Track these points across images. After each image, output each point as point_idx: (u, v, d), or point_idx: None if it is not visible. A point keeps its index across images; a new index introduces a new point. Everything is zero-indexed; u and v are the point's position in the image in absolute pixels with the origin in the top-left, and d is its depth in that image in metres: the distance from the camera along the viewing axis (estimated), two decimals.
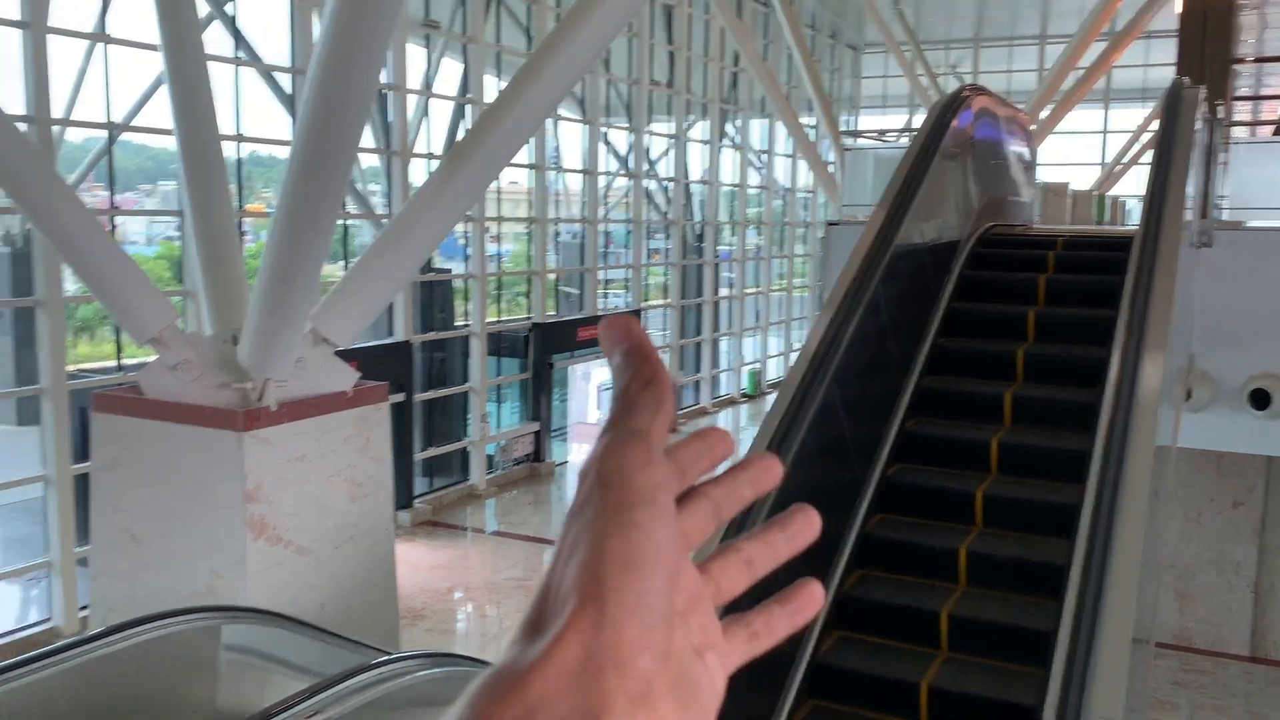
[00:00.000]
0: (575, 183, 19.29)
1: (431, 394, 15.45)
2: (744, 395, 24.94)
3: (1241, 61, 13.51)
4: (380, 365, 12.03)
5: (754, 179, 26.36)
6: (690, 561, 0.41)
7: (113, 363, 10.89)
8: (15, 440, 10.70)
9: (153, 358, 6.44)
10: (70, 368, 10.06)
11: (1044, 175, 26.32)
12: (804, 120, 24.70)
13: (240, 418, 5.96)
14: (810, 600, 0.44)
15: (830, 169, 20.46)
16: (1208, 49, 9.72)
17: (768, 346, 26.78)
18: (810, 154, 21.31)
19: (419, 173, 14.59)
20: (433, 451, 15.53)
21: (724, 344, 25.15)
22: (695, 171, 23.41)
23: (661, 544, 0.37)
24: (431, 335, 15.42)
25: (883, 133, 27.20)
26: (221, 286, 6.67)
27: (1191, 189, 5.33)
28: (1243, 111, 18.44)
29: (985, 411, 4.49)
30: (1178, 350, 5.60)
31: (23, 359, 9.99)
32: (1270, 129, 19.20)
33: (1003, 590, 3.72)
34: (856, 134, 26.64)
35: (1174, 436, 5.40)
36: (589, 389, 20.75)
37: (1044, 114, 18.34)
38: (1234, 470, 8.95)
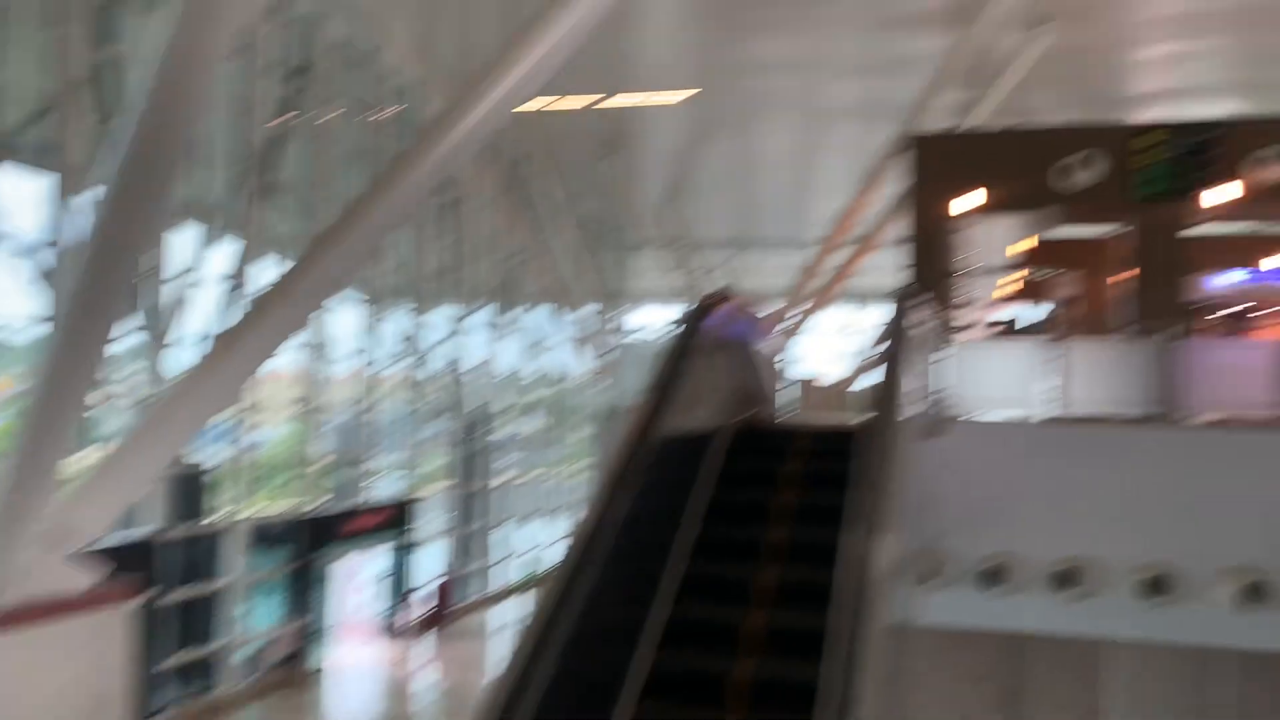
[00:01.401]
0: (348, 368, 19.03)
1: (183, 593, 14.35)
2: (524, 584, 24.52)
3: (965, 271, 15.18)
4: (125, 563, 11.12)
5: (534, 365, 26.84)
6: None
7: None
8: None
9: None
10: None
11: (801, 370, 28.06)
12: (583, 311, 25.59)
13: None
14: None
15: (606, 358, 21.16)
16: (933, 259, 10.92)
17: (546, 534, 26.64)
18: (587, 344, 22.01)
19: (183, 357, 14.02)
20: (182, 657, 14.30)
21: (504, 532, 24.84)
22: (475, 357, 23.63)
23: None
24: (185, 530, 14.45)
25: (655, 327, 28.46)
26: None
27: (918, 385, 5.90)
28: (967, 314, 20.59)
29: (740, 596, 4.67)
30: (913, 533, 6.04)
31: None
32: (991, 330, 21.48)
33: None
34: (629, 331, 27.80)
35: (911, 615, 5.74)
36: (358, 584, 19.83)
37: (799, 310, 19.83)
38: (976, 647, 9.51)
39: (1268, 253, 15.17)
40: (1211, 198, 10.05)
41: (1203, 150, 10.08)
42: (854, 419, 5.67)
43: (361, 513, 18.52)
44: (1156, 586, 6.55)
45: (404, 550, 19.97)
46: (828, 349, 30.10)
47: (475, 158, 19.42)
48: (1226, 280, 14.49)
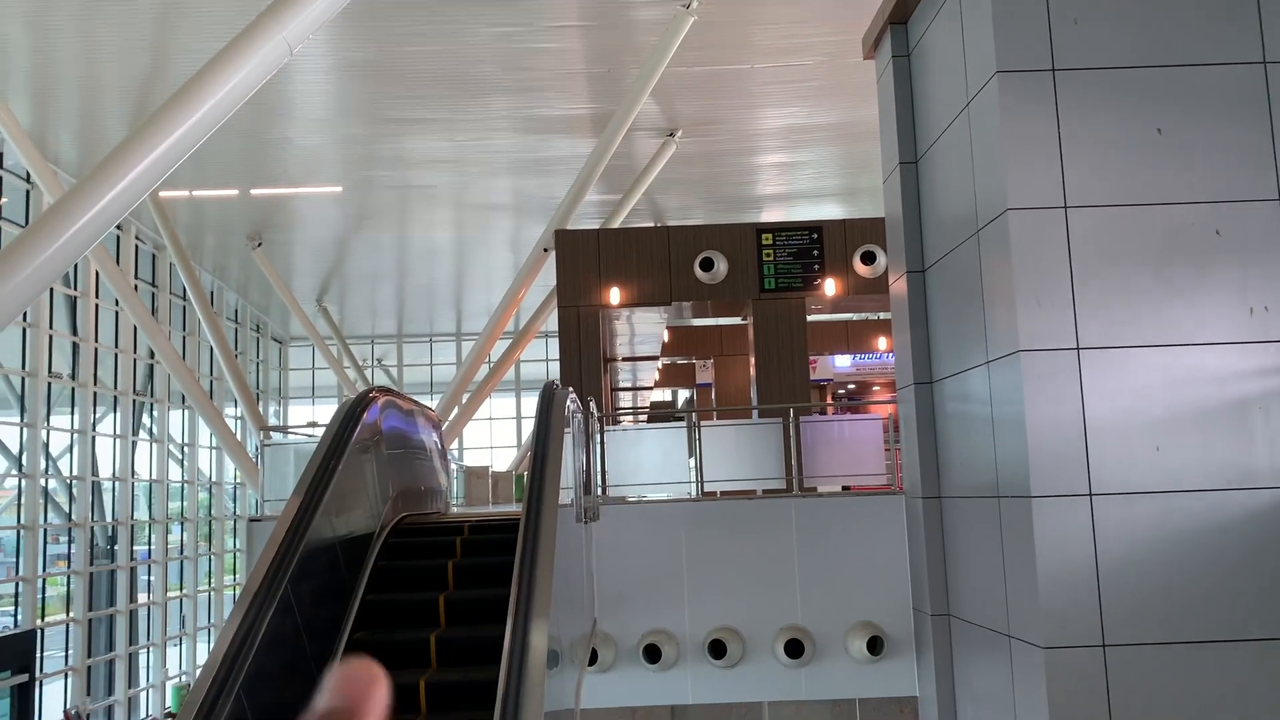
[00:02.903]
0: None
1: None
2: (169, 715, 22.18)
3: (614, 360, 15.93)
4: None
5: (176, 473, 24.75)
6: None
7: None
8: None
9: None
10: None
11: (469, 458, 27.88)
12: (229, 411, 24.05)
13: None
14: None
15: (256, 460, 19.94)
16: (584, 348, 11.37)
17: (196, 655, 24.37)
18: (234, 447, 20.65)
19: None
20: None
21: (144, 658, 22.44)
22: (105, 467, 21.42)
23: None
24: None
25: (312, 424, 27.30)
26: None
27: (572, 471, 6.09)
28: (620, 400, 21.59)
29: (402, 703, 4.55)
30: (577, 617, 6.17)
31: None
32: (644, 416, 22.64)
33: None
34: (285, 428, 26.47)
35: (578, 699, 5.83)
36: None
37: (463, 401, 19.84)
38: None
39: (877, 336, 17.22)
40: (823, 290, 11.31)
41: (811, 248, 11.35)
42: (517, 509, 5.74)
43: None
44: (794, 649, 7.10)
45: (23, 691, 17.48)
46: (493, 438, 30.27)
47: (105, 249, 17.92)
48: (843, 362, 16.23)
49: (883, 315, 17.05)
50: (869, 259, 11.18)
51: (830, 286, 11.27)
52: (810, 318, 11.89)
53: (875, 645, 6.98)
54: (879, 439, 8.47)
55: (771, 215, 19.75)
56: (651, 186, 16.92)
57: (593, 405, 7.71)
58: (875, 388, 16.91)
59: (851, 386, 17.28)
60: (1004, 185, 5.11)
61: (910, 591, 6.82)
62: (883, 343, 17.01)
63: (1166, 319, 5.00)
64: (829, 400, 16.54)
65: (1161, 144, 5.08)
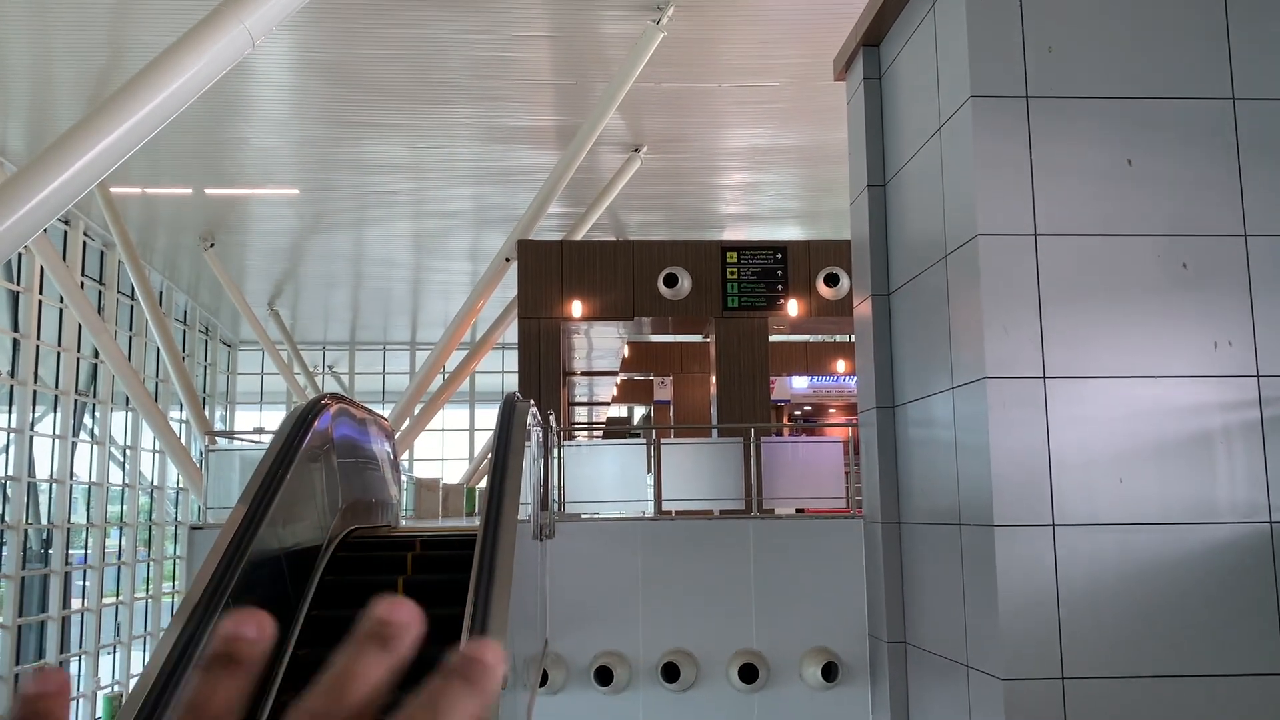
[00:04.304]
0: None
1: None
2: None
3: (573, 374, 15.80)
4: None
5: (117, 476, 24.15)
6: None
7: None
8: None
9: None
10: None
11: (419, 470, 27.56)
12: (174, 414, 23.54)
13: None
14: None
15: (201, 466, 19.50)
16: (543, 361, 11.23)
17: (130, 664, 23.73)
18: (178, 451, 20.17)
19: None
20: None
21: (76, 666, 21.79)
22: (43, 468, 20.84)
23: None
24: None
25: (260, 430, 26.84)
26: None
27: (529, 487, 5.95)
28: (578, 415, 21.43)
29: None
30: (529, 637, 6.02)
31: None
32: (601, 432, 22.50)
33: None
34: (231, 434, 25.97)
35: None
36: None
37: (416, 412, 19.57)
38: None
39: (836, 359, 17.26)
40: (785, 311, 11.29)
41: (775, 269, 11.33)
42: (474, 522, 5.57)
43: None
44: (748, 673, 7.00)
45: None
46: (445, 450, 29.93)
47: (50, 244, 17.46)
48: (802, 383, 16.23)
49: (841, 338, 17.10)
50: (832, 281, 11.17)
51: (793, 307, 11.25)
52: (771, 338, 11.86)
53: (830, 672, 6.90)
54: (839, 462, 8.42)
55: (733, 235, 19.77)
56: (614, 201, 16.85)
57: (552, 419, 7.58)
58: (832, 410, 16.94)
59: (808, 408, 17.30)
60: (974, 210, 5.08)
61: (866, 617, 6.75)
62: (841, 365, 17.06)
63: (1132, 350, 4.99)
64: (786, 421, 16.53)
65: (1132, 175, 5.09)
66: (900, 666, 6.20)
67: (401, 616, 0.42)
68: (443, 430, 29.06)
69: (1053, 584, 4.82)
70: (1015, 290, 5.00)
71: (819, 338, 18.06)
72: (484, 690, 0.40)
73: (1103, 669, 4.78)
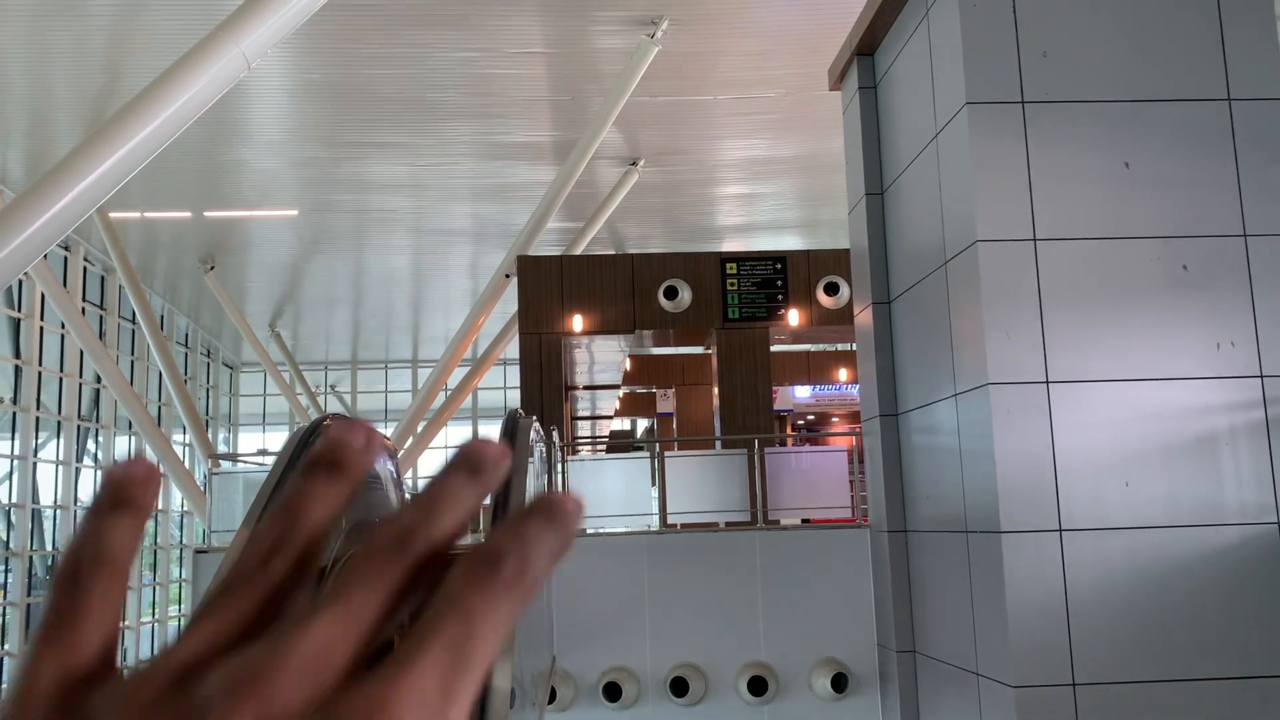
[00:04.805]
0: None
1: None
2: None
3: (575, 388, 15.78)
4: None
5: None
6: None
7: None
8: None
9: None
10: None
11: (422, 489, 27.61)
12: (177, 438, 23.53)
13: None
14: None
15: (206, 490, 19.48)
16: (546, 376, 11.23)
17: None
18: (181, 474, 20.16)
19: None
20: None
21: None
22: (47, 494, 20.82)
23: None
24: None
25: (263, 451, 26.82)
26: None
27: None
28: (581, 429, 21.41)
29: None
30: (536, 654, 6.00)
31: None
32: (604, 446, 22.48)
33: None
34: (235, 456, 25.96)
35: None
36: None
37: (419, 429, 19.57)
38: None
39: (839, 368, 17.23)
40: (786, 320, 11.28)
41: (775, 279, 11.33)
42: (480, 539, 5.54)
43: None
44: (757, 685, 6.97)
45: None
46: None
47: (51, 269, 17.49)
48: (804, 393, 16.21)
49: (843, 346, 17.08)
50: (832, 290, 11.17)
51: (794, 316, 11.24)
52: (773, 349, 11.85)
53: (840, 682, 6.86)
54: (843, 471, 8.40)
55: (732, 246, 19.78)
56: (613, 215, 16.87)
57: (555, 434, 7.57)
58: (835, 419, 16.92)
59: (811, 417, 17.28)
60: (973, 217, 5.08)
61: (875, 627, 6.72)
62: (843, 374, 17.04)
63: (1135, 353, 4.98)
64: (790, 431, 16.50)
65: (1130, 178, 5.09)
66: (910, 676, 6.16)
67: (495, 453, 0.39)
68: (446, 447, 29.02)
69: (1061, 590, 4.79)
70: (1016, 295, 4.99)
71: (820, 347, 18.04)
72: (567, 533, 0.37)
73: (1114, 674, 4.76)
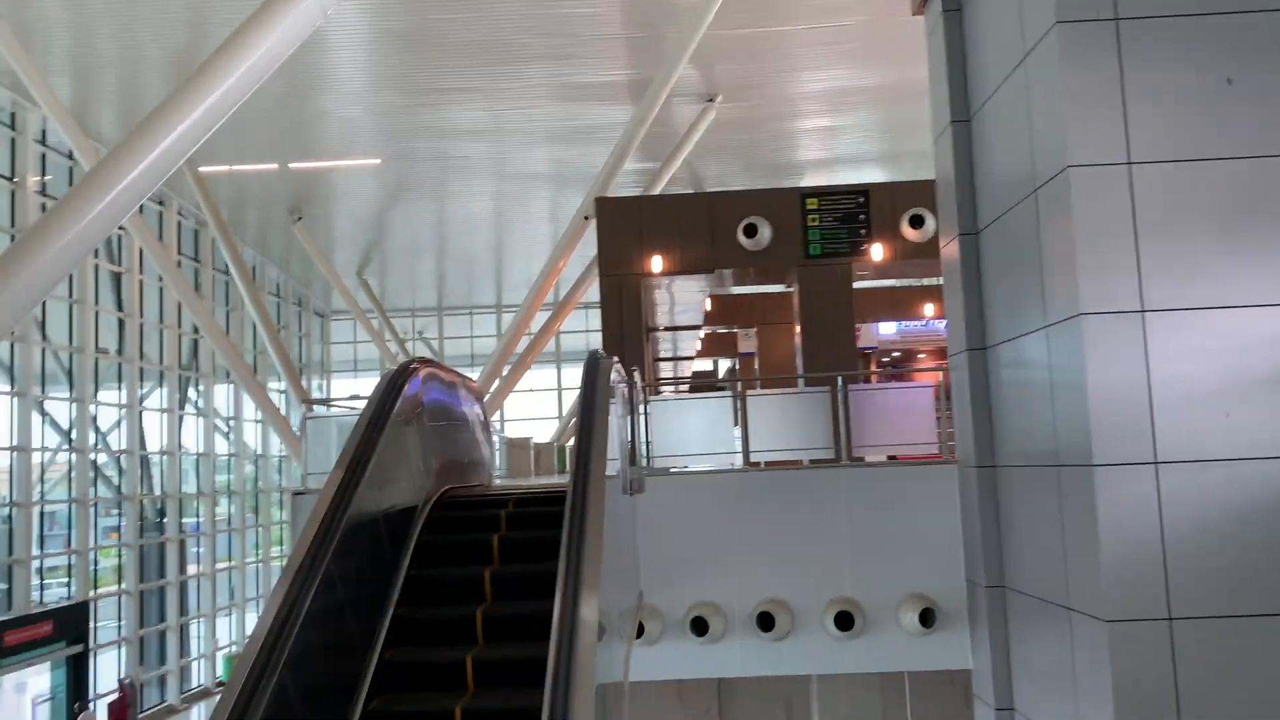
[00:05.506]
0: (3, 460, 16.90)
1: None
2: (220, 684, 22.56)
3: (656, 329, 15.79)
4: None
5: (222, 446, 25.02)
6: None
7: None
8: None
9: None
10: None
11: (510, 431, 27.96)
12: (273, 385, 24.26)
13: None
14: None
15: (298, 435, 20.10)
16: (626, 318, 11.25)
17: (245, 626, 24.73)
18: (277, 420, 20.79)
19: None
20: None
21: (195, 628, 22.81)
22: (154, 441, 21.70)
23: None
24: None
25: (355, 397, 27.48)
26: None
27: (617, 442, 5.99)
28: (662, 370, 21.45)
29: (450, 682, 4.49)
30: (624, 590, 6.09)
31: None
32: (686, 386, 22.50)
33: None
34: (328, 401, 26.68)
35: (627, 671, 5.76)
36: (21, 703, 17.46)
37: (504, 374, 19.85)
38: (692, 694, 9.75)
39: (923, 303, 16.92)
40: (869, 256, 11.08)
41: (858, 213, 11.11)
42: (562, 480, 5.63)
43: (23, 624, 16.39)
44: (844, 620, 6.98)
45: (78, 661, 17.83)
46: (537, 409, 30.29)
47: (148, 224, 18.02)
48: (889, 329, 15.99)
49: (928, 281, 16.73)
50: (917, 222, 10.92)
51: (877, 251, 11.03)
52: (856, 285, 11.67)
53: (927, 618, 6.84)
54: (929, 407, 8.28)
55: (813, 181, 19.45)
56: (691, 153, 16.70)
57: (636, 375, 7.59)
58: (921, 355, 16.65)
59: (896, 354, 17.03)
60: (1064, 141, 4.89)
61: (963, 563, 6.65)
62: (928, 309, 16.71)
63: (1236, 279, 4.77)
64: (874, 368, 16.30)
65: (1232, 95, 4.83)
66: (999, 611, 6.11)
67: None
68: (531, 390, 29.37)
69: (1156, 523, 4.67)
70: (1109, 222, 4.81)
71: (905, 282, 17.71)
72: None
73: (1212, 608, 4.64)
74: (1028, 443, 5.68)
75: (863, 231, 11.05)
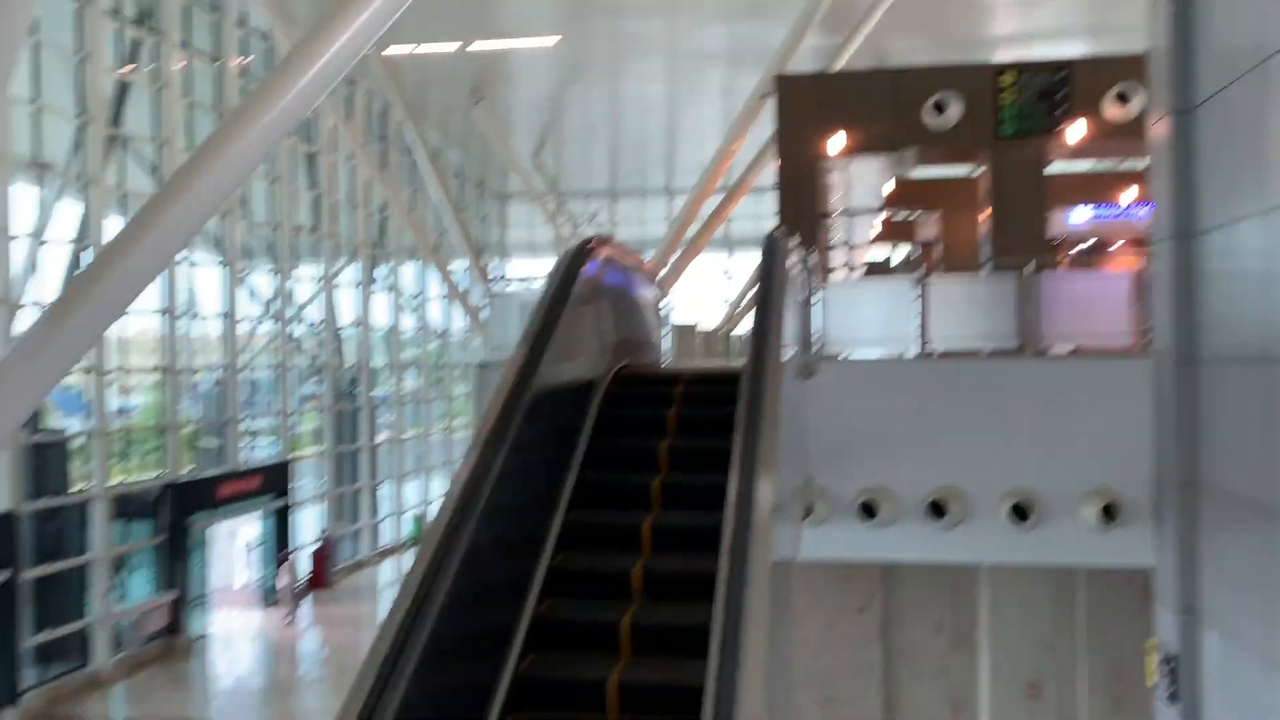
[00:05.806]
0: (214, 329, 18.27)
1: (44, 569, 13.68)
2: (412, 542, 24.22)
3: (831, 214, 15.43)
4: None
5: (408, 322, 26.24)
6: None
7: None
8: None
9: None
10: None
11: (676, 316, 28.23)
12: (455, 264, 25.13)
13: None
14: None
15: (481, 312, 20.84)
16: (802, 202, 11.03)
17: (430, 490, 26.28)
18: (460, 298, 21.59)
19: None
20: (45, 636, 13.67)
21: (385, 490, 24.41)
22: (346, 315, 22.96)
23: None
24: (44, 503, 13.74)
25: (530, 276, 28.18)
26: None
27: (792, 326, 5.95)
28: (837, 256, 21.00)
29: (627, 542, 4.67)
30: (794, 471, 6.13)
31: None
32: (861, 271, 21.98)
33: (651, 716, 3.83)
34: (508, 279, 27.51)
35: (796, 551, 5.85)
36: (235, 550, 19.24)
37: (674, 258, 19.91)
38: (858, 578, 9.82)
39: (1121, 188, 15.84)
40: (1067, 136, 10.41)
41: (1057, 90, 10.42)
42: (733, 363, 5.64)
43: (234, 477, 17.93)
44: (1020, 512, 6.83)
45: (281, 514, 19.45)
46: (705, 295, 30.35)
47: (338, 107, 18.71)
48: (1082, 216, 15.07)
49: (1125, 166, 15.64)
50: (1124, 99, 10.15)
51: (1076, 131, 10.33)
52: (1049, 168, 11.02)
53: (1111, 511, 6.62)
54: (1124, 298, 7.85)
55: (1007, 55, 18.31)
56: (875, 27, 15.96)
57: (814, 258, 7.49)
58: (1116, 244, 15.69)
59: (1090, 243, 16.10)
60: None
61: (1150, 459, 6.37)
62: (1125, 195, 15.65)
63: None
64: (1067, 255, 15.49)
65: None
66: (1190, 510, 5.85)
67: None
68: (700, 276, 29.36)
69: None
70: None
71: (1099, 166, 16.61)
72: None
73: None
74: (1235, 337, 5.33)
75: (1060, 109, 10.36)
